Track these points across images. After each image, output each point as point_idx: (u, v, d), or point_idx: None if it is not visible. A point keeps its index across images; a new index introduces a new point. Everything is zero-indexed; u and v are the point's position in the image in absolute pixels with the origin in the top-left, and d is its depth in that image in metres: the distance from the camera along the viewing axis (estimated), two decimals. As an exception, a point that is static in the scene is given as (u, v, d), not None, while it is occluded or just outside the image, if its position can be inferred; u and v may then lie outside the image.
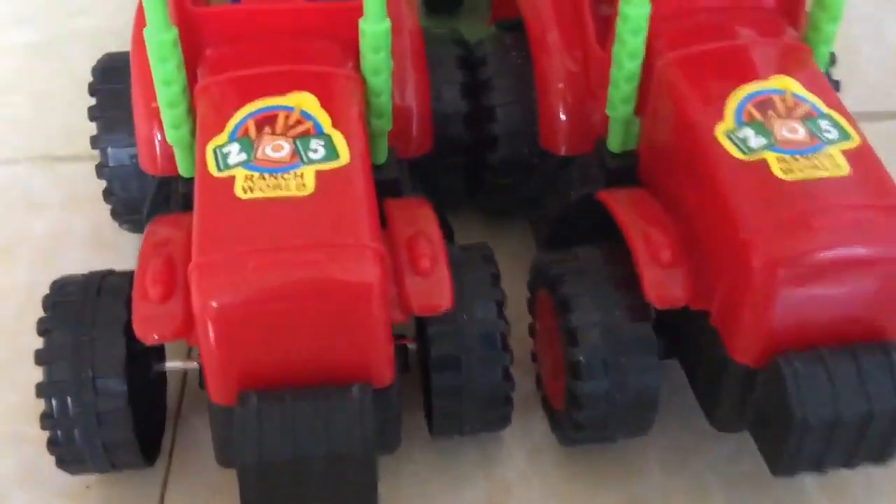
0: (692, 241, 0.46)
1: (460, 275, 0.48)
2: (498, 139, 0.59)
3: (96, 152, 0.59)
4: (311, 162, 0.44)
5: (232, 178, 0.43)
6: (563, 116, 0.56)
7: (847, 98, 0.53)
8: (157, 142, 0.53)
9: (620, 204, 0.49)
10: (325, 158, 0.44)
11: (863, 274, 0.42)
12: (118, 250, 0.64)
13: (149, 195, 0.56)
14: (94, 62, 0.63)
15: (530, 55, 0.59)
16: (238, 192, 0.42)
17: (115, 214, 0.61)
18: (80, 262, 0.65)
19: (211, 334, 0.40)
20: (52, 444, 0.45)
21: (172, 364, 0.49)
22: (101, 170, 0.59)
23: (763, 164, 0.44)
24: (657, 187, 0.51)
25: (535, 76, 0.57)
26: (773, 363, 0.43)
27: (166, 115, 0.49)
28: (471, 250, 0.50)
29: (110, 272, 0.48)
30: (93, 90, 0.59)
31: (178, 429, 0.53)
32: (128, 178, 0.58)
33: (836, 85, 0.63)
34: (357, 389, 0.41)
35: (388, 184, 0.53)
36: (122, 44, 0.59)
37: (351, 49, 0.49)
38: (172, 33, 0.47)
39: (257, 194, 0.42)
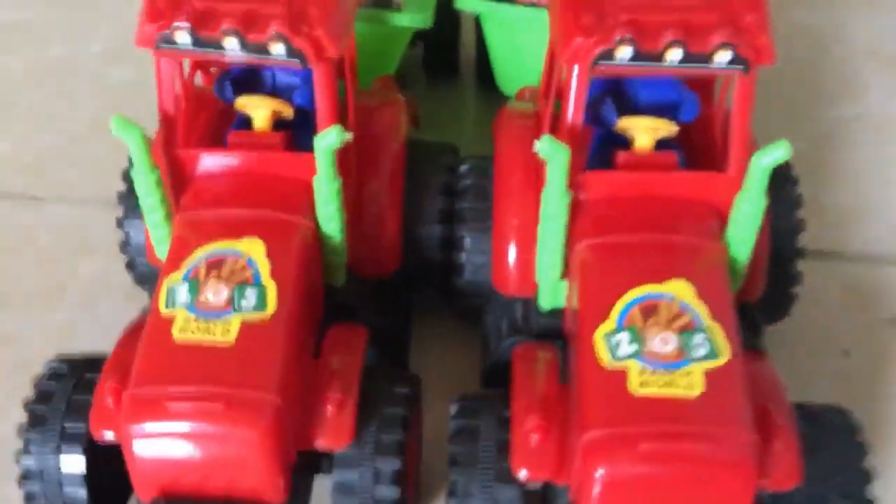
0: (571, 418, 0.51)
1: (372, 408, 0.55)
2: (463, 266, 0.65)
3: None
4: (240, 310, 0.52)
5: (173, 318, 0.52)
6: (511, 257, 0.61)
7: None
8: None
9: (524, 367, 0.54)
10: (254, 308, 0.52)
11: (678, 490, 0.47)
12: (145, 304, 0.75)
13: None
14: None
15: None
16: (175, 332, 0.51)
17: (136, 282, 0.72)
18: (117, 309, 0.75)
19: (130, 451, 0.49)
20: (28, 500, 0.56)
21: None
22: (124, 247, 0.69)
23: (623, 374, 0.48)
24: (568, 349, 0.56)
25: (494, 212, 0.62)
26: None
27: (152, 235, 0.59)
28: (396, 381, 0.57)
29: (96, 361, 0.58)
30: (125, 176, 0.69)
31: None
32: (145, 255, 0.68)
33: (801, 224, 0.65)
34: None
35: (343, 307, 0.61)
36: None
37: (307, 196, 0.57)
38: (155, 175, 0.56)
39: (188, 336, 0.51)
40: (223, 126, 0.63)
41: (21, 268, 0.78)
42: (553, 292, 0.58)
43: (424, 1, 0.72)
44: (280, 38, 0.53)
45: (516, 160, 0.62)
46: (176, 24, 0.53)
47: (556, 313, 0.59)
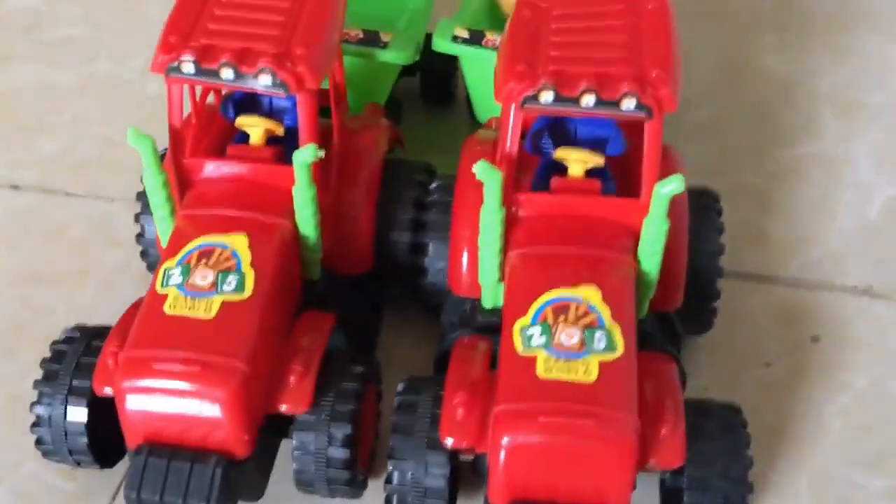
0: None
1: (331, 382, 0.64)
2: (427, 270, 0.75)
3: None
4: (222, 292, 0.62)
5: (166, 296, 0.62)
6: (463, 263, 0.70)
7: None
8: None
9: (460, 355, 0.64)
10: (234, 291, 0.62)
11: (568, 459, 0.55)
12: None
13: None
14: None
15: None
16: (166, 307, 0.62)
17: (149, 269, 0.82)
18: (133, 292, 0.85)
19: (122, 403, 0.60)
20: (38, 443, 0.67)
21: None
22: (138, 238, 0.80)
23: (532, 360, 0.58)
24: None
25: (452, 223, 0.72)
26: None
27: (158, 228, 0.70)
28: (355, 361, 0.67)
29: (104, 330, 0.69)
30: (142, 178, 0.80)
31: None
32: (156, 247, 0.79)
33: (722, 248, 0.73)
34: (214, 460, 0.59)
35: (316, 297, 0.70)
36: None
37: (288, 202, 0.67)
38: (162, 177, 0.66)
39: (176, 311, 0.61)
40: (229, 139, 0.74)
41: (54, 254, 0.89)
42: (493, 293, 0.67)
43: (409, 40, 0.83)
44: (267, 71, 0.64)
45: (473, 180, 0.71)
46: (182, 56, 0.64)
47: (497, 312, 0.68)
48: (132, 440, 0.61)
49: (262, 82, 0.64)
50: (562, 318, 0.59)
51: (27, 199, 0.94)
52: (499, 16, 0.90)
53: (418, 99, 1.00)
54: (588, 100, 0.60)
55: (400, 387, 0.65)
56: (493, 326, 0.68)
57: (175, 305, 0.61)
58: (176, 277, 0.63)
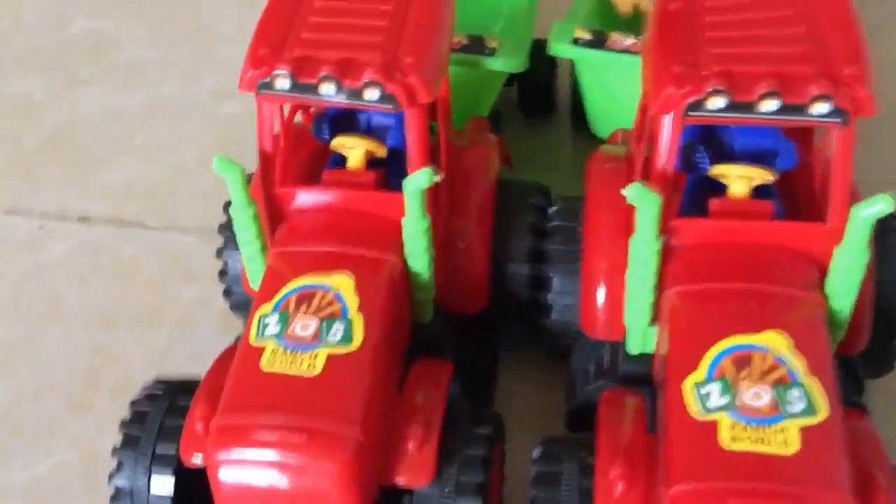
0: (658, 469, 0.50)
1: (453, 447, 0.54)
2: (552, 307, 0.65)
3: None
4: (327, 344, 0.53)
5: (262, 349, 0.53)
6: (598, 300, 0.60)
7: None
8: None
9: (610, 413, 0.53)
10: (340, 342, 0.53)
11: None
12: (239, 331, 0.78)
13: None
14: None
15: None
16: (263, 363, 0.52)
17: (232, 308, 0.74)
18: (213, 333, 0.78)
19: (216, 477, 0.51)
20: None
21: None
22: (222, 276, 0.72)
23: (713, 426, 0.47)
24: (657, 396, 0.54)
25: (582, 254, 0.62)
26: None
27: (247, 267, 0.61)
28: (479, 421, 0.57)
29: (190, 385, 0.60)
30: (225, 208, 0.72)
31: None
32: (241, 285, 0.70)
33: None
34: None
35: (428, 342, 0.61)
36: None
37: (397, 234, 0.57)
38: (252, 209, 0.57)
39: (275, 367, 0.52)
40: (320, 163, 0.65)
41: (127, 292, 0.81)
42: (642, 337, 0.56)
43: (519, 45, 0.73)
44: (374, 84, 0.54)
45: (606, 203, 0.61)
46: (276, 70, 0.54)
47: (645, 358, 0.57)
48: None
49: (367, 97, 0.54)
50: (744, 372, 0.48)
51: (98, 233, 0.87)
52: (612, 15, 0.80)
53: (515, 111, 0.92)
54: (769, 105, 0.49)
55: (536, 452, 0.55)
56: (640, 376, 0.57)
57: (273, 361, 0.52)
58: (273, 327, 0.54)
